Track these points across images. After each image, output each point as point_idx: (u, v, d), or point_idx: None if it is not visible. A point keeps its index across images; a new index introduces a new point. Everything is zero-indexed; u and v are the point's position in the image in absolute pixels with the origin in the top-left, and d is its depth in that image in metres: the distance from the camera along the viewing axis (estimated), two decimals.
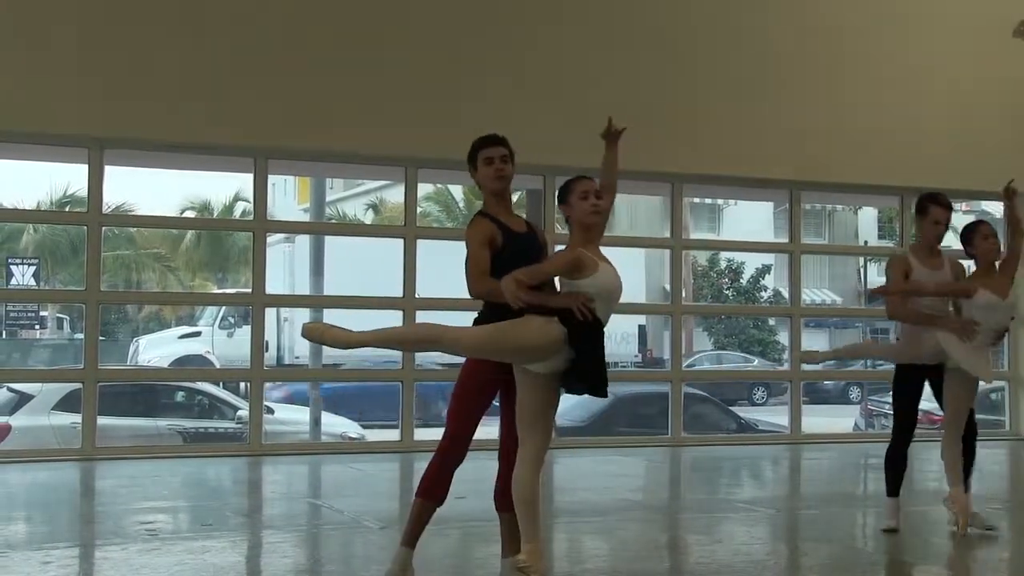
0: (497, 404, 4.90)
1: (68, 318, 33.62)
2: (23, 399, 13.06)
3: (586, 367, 4.50)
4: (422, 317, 10.56)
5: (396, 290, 10.72)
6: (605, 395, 4.61)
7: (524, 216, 5.09)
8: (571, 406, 14.20)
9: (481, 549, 6.11)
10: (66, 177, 32.21)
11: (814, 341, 29.29)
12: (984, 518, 6.47)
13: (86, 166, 9.76)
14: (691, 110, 11.06)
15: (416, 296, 10.65)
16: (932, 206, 6.40)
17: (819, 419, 14.62)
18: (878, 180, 11.78)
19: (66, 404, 12.35)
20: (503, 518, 4.91)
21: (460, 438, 4.75)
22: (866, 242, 36.30)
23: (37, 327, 31.41)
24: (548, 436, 4.65)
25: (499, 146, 4.91)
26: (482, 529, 6.45)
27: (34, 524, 7.19)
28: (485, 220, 4.76)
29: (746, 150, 11.17)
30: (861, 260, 36.03)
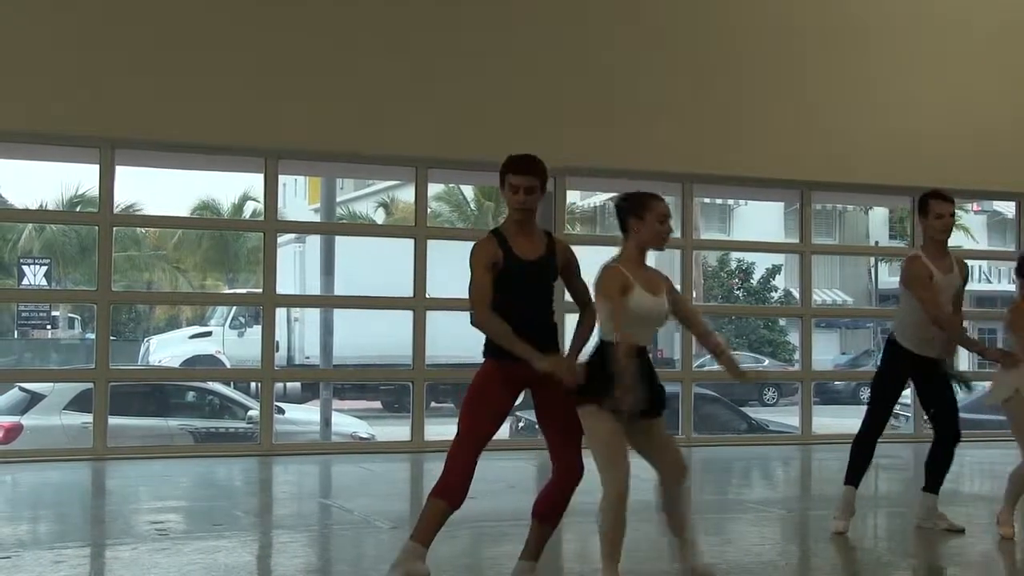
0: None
1: (79, 318, 33.74)
2: (35, 399, 13.10)
3: (596, 383, 4.49)
4: (432, 317, 10.56)
5: (406, 290, 10.72)
6: (627, 410, 4.49)
7: (548, 232, 4.91)
8: None
9: (492, 549, 6.11)
10: (77, 177, 32.35)
11: (824, 342, 29.21)
12: (951, 519, 6.48)
13: (97, 166, 9.78)
14: (702, 110, 11.04)
15: (426, 296, 10.66)
16: (933, 201, 6.38)
17: (830, 419, 14.59)
18: (889, 180, 11.74)
19: (77, 404, 12.39)
20: (534, 524, 4.87)
21: (470, 445, 4.67)
22: (877, 242, 36.23)
23: (48, 327, 31.53)
24: (623, 459, 4.58)
25: (528, 175, 4.70)
26: (493, 529, 6.45)
27: (45, 524, 7.21)
28: (491, 242, 4.69)
29: (757, 150, 11.16)
30: (872, 260, 35.95)
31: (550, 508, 4.86)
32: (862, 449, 6.47)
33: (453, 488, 4.65)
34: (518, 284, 4.66)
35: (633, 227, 4.65)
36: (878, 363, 6.60)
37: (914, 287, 6.25)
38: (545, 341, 4.68)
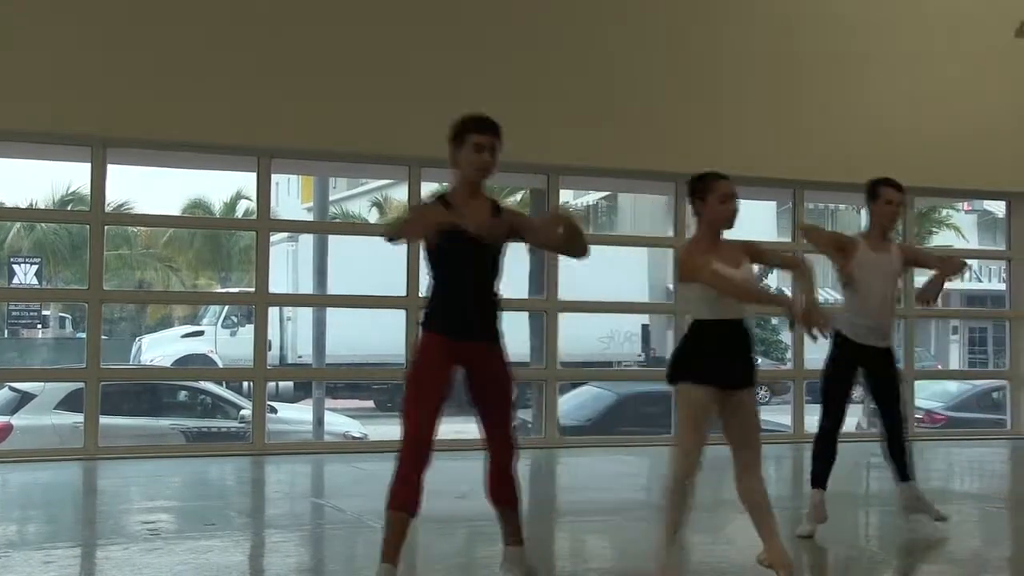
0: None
1: (70, 317, 33.65)
2: (25, 398, 13.07)
3: (680, 357, 4.77)
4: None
5: (399, 289, 10.70)
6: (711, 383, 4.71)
7: (504, 205, 4.89)
8: (575, 406, 14.20)
9: (486, 548, 6.10)
10: (68, 176, 32.22)
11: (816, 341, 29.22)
12: (937, 508, 6.44)
13: (89, 165, 9.75)
14: (694, 109, 11.04)
15: (419, 295, 10.63)
16: (883, 187, 6.42)
17: None
18: None
19: (68, 403, 12.36)
20: (499, 511, 4.81)
21: (417, 439, 4.50)
22: None
23: (39, 326, 31.44)
24: (698, 442, 4.77)
25: (493, 136, 4.61)
26: (487, 528, 6.45)
27: (36, 524, 7.18)
28: (435, 206, 4.63)
29: (749, 149, 11.15)
30: None
31: (499, 488, 4.74)
32: (824, 449, 6.37)
33: (406, 495, 4.51)
34: (464, 251, 4.54)
35: (698, 209, 4.94)
36: (826, 358, 6.50)
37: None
38: (485, 319, 4.62)
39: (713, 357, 4.72)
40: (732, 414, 4.82)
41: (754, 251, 5.04)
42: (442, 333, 4.58)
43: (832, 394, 6.39)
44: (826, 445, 6.39)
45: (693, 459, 4.76)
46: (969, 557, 6.14)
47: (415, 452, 4.51)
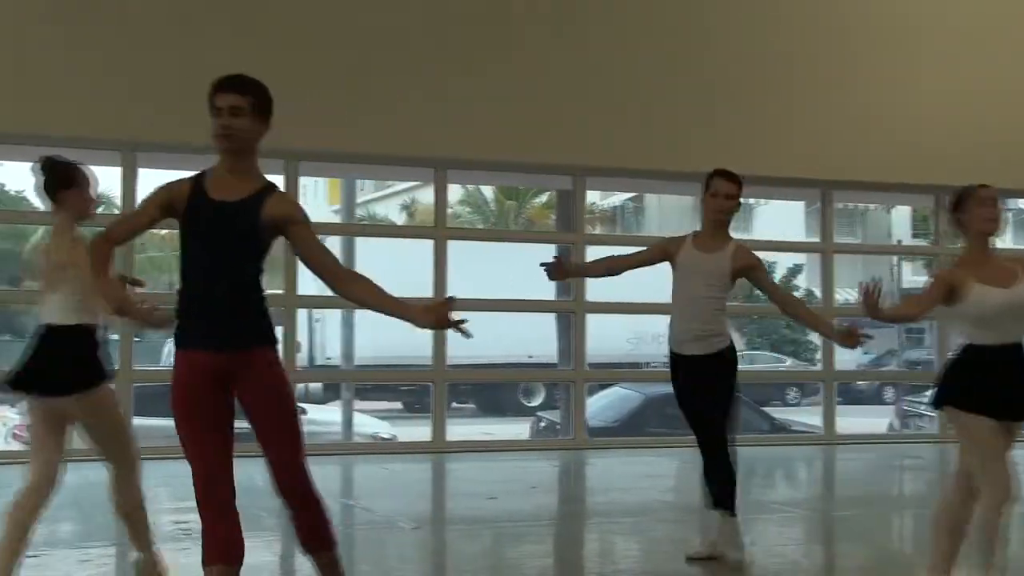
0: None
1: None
2: None
3: (950, 383, 4.39)
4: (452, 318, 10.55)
5: (427, 291, 10.73)
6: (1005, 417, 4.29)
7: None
8: (602, 407, 14.18)
9: (513, 550, 6.11)
10: (99, 180, 32.47)
11: None
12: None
13: (119, 169, 9.83)
14: (721, 110, 10.99)
15: (447, 297, 10.65)
16: (714, 178, 5.55)
17: (853, 420, 14.52)
18: (911, 179, 11.67)
19: None
20: (313, 560, 3.97)
21: (204, 476, 3.70)
22: (900, 241, 36.00)
23: None
24: (1008, 466, 4.31)
25: (229, 92, 3.73)
26: (514, 530, 6.46)
27: (71, 523, 7.24)
28: (183, 180, 3.73)
29: (776, 149, 11.11)
30: (895, 259, 35.76)
31: (308, 531, 3.97)
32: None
33: (218, 544, 3.74)
34: (201, 231, 3.54)
35: (962, 222, 4.57)
36: None
37: None
38: (243, 319, 3.59)
39: (990, 387, 4.29)
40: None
41: None
42: (183, 346, 3.65)
43: (681, 407, 5.68)
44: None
45: (1009, 473, 4.29)
46: (1004, 559, 6.08)
47: (205, 493, 3.72)
